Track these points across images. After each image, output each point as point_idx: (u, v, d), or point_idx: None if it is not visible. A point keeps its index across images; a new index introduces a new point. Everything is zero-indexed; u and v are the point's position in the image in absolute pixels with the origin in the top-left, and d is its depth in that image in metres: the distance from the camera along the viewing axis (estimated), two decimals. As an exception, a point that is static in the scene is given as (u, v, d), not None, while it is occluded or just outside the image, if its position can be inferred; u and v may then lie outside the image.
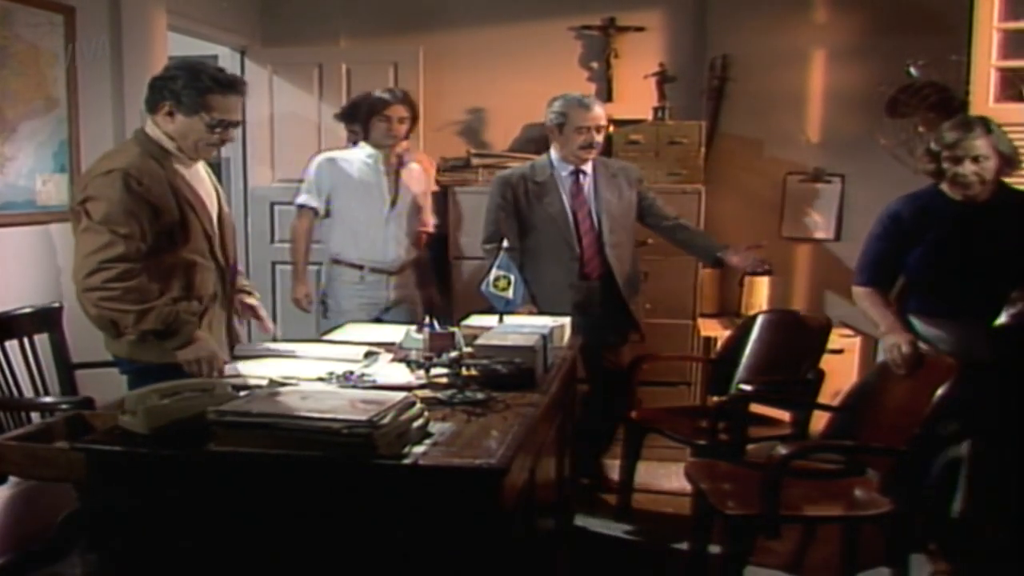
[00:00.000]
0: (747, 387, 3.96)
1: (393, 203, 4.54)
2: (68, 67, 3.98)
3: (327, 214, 4.59)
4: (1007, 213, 3.55)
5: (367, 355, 3.14)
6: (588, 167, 4.37)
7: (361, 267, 4.53)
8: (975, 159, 3.46)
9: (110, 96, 4.22)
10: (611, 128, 5.12)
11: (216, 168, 5.12)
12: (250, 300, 3.52)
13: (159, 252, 3.02)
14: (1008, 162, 3.52)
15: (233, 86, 3.11)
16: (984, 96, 4.40)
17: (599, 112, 4.30)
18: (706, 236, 4.54)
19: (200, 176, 3.25)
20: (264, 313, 3.56)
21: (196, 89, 3.02)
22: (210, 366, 2.99)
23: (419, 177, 4.71)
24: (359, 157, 4.56)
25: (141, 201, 2.95)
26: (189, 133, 3.07)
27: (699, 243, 4.45)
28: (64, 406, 3.28)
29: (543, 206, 4.32)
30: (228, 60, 5.41)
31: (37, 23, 3.81)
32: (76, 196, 3.04)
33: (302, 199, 4.59)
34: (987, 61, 4.38)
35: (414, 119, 4.61)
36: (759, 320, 4.39)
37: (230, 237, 3.36)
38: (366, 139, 4.56)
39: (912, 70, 4.84)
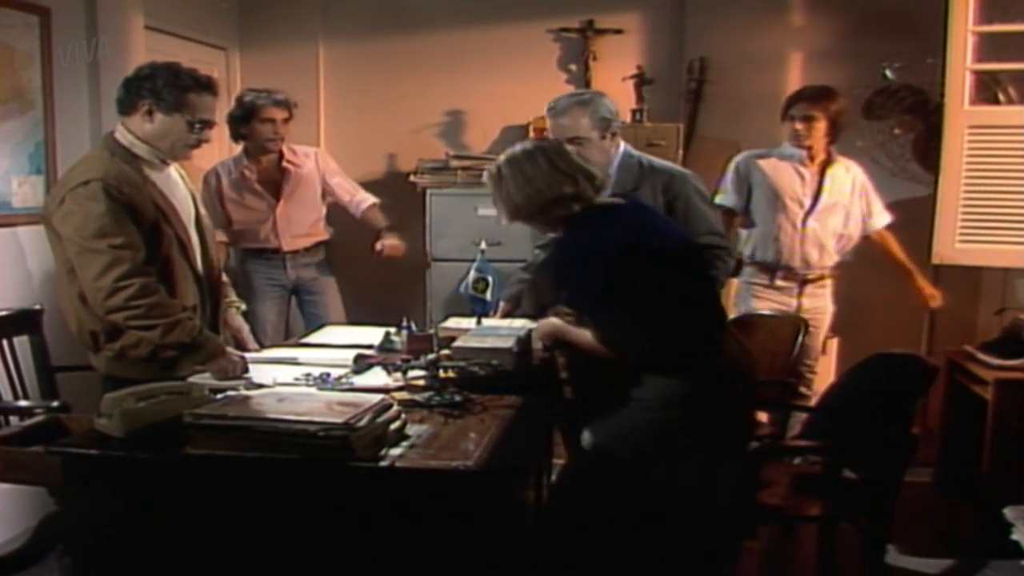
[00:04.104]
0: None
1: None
2: (43, 68, 3.94)
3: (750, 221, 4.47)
4: None
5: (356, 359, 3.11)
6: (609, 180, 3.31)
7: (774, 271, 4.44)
8: None
9: (86, 97, 4.18)
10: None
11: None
12: (235, 320, 3.44)
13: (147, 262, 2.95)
14: None
15: (211, 86, 3.08)
16: (959, 99, 4.45)
17: (559, 123, 3.41)
18: None
19: (173, 180, 3.18)
20: (248, 338, 3.46)
21: (177, 87, 2.98)
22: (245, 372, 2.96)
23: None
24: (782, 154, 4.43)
25: (126, 208, 2.89)
26: (168, 133, 3.01)
27: None
28: (39, 410, 3.25)
29: None
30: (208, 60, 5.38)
31: (12, 24, 3.78)
32: (51, 210, 2.95)
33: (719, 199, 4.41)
34: (962, 64, 4.42)
35: (832, 123, 4.35)
36: (734, 322, 4.38)
37: (211, 243, 3.29)
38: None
39: (888, 73, 4.87)
